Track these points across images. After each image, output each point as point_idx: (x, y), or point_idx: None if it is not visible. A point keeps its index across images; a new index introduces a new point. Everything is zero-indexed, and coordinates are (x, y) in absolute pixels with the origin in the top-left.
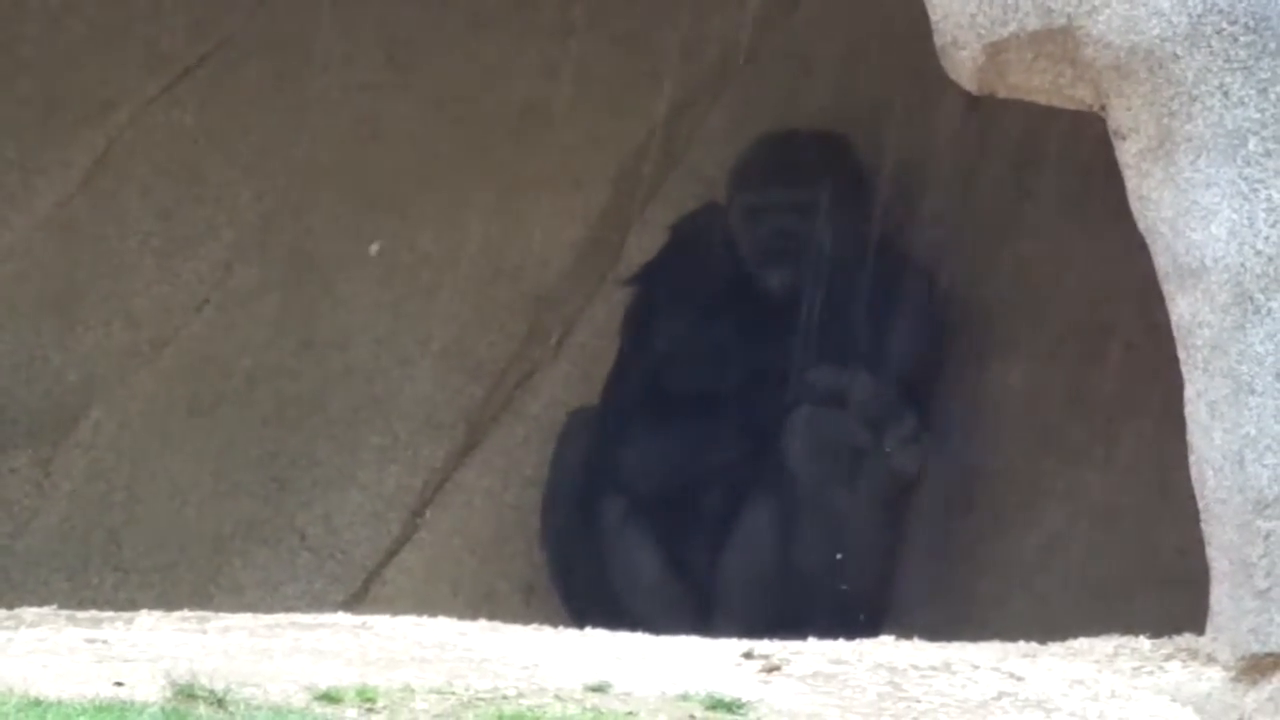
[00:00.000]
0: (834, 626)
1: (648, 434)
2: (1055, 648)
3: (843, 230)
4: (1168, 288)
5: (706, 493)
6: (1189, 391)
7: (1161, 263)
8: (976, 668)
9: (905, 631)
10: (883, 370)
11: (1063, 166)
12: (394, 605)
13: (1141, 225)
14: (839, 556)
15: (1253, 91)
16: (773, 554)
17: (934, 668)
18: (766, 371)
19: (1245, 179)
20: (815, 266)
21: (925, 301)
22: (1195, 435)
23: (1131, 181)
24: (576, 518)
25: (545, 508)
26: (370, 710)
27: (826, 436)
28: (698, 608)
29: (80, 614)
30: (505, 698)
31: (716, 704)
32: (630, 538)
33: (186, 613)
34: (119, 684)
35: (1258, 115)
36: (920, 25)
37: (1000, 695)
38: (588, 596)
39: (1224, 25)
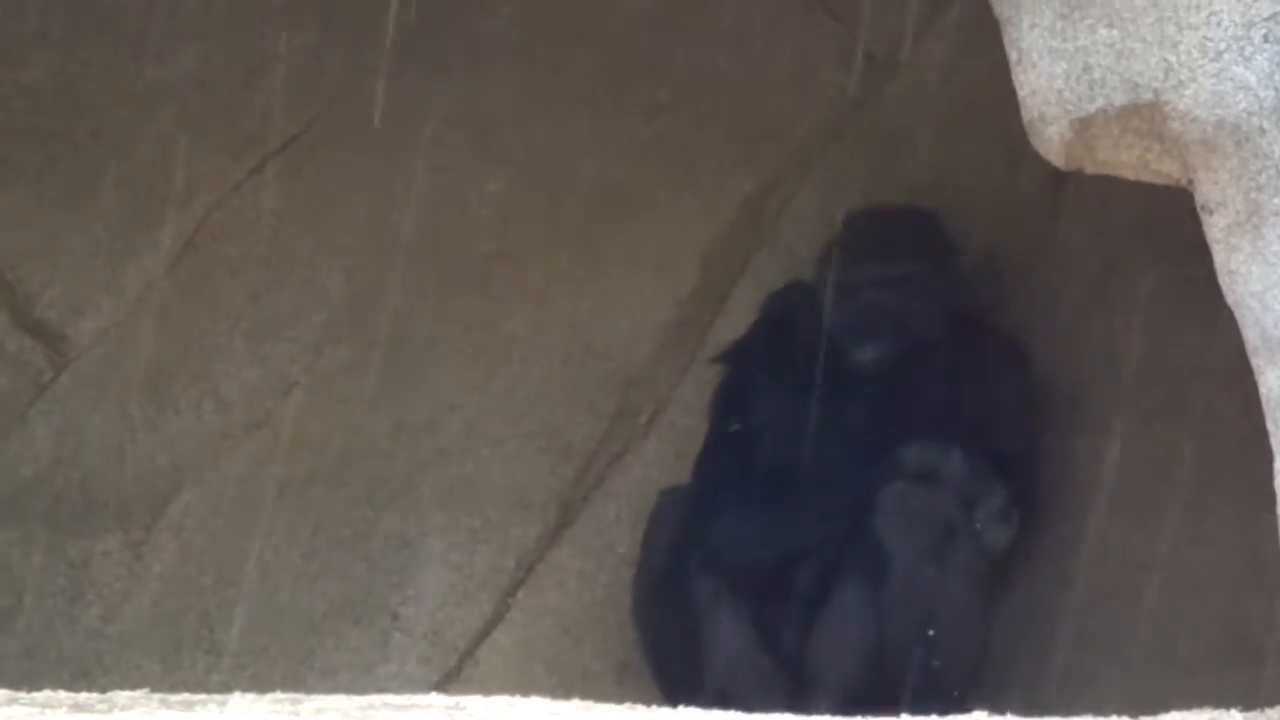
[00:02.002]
0: (927, 704)
1: (739, 512)
2: None
3: (933, 306)
4: (1256, 361)
5: (798, 571)
6: (1278, 464)
7: (1250, 336)
8: None
9: (998, 708)
10: (975, 446)
11: (1152, 242)
12: (487, 686)
13: (1230, 299)
14: (931, 633)
15: None
16: (865, 631)
17: None
18: (858, 449)
19: None
20: (907, 343)
21: (1017, 376)
22: None
23: (1219, 256)
24: (668, 596)
25: (637, 586)
26: None
27: (918, 513)
28: (790, 686)
29: (173, 697)
30: None
31: None
32: (722, 615)
33: (279, 695)
34: None
35: None
36: (1008, 101)
37: None
38: (680, 676)
39: None
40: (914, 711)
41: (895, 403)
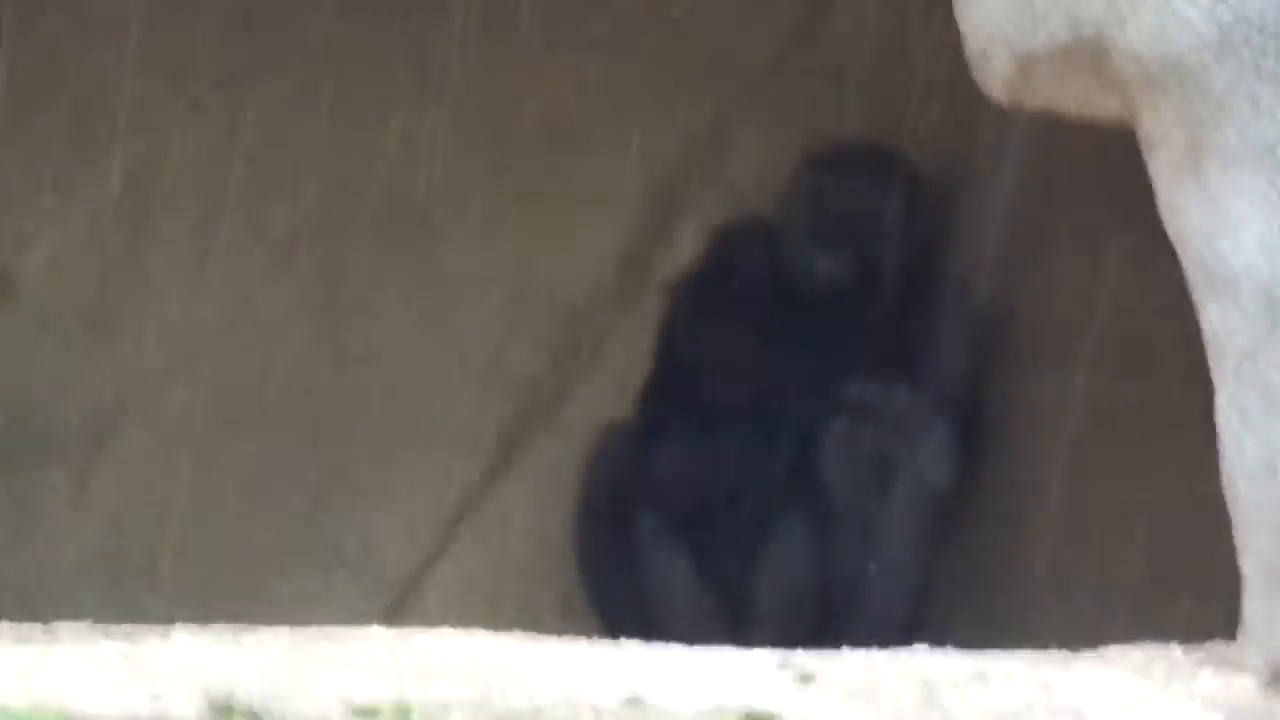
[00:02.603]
0: (868, 638)
1: (682, 446)
2: (1087, 656)
3: (895, 231)
4: (1198, 297)
5: (741, 505)
6: (1219, 400)
7: (1192, 272)
8: (1010, 677)
9: (939, 642)
10: (921, 383)
11: (1094, 178)
12: (430, 620)
13: (1172, 235)
14: (873, 569)
15: None
16: (807, 566)
17: (968, 678)
18: (803, 384)
19: (1275, 188)
20: (865, 267)
21: (965, 314)
22: (1226, 444)
23: (1162, 192)
24: (609, 530)
25: (578, 521)
26: None
27: (860, 450)
28: (732, 620)
29: (116, 629)
30: (541, 711)
31: (752, 716)
32: (663, 550)
33: (222, 627)
34: (155, 699)
35: None
36: (951, 37)
37: (1033, 704)
38: (622, 610)
39: (1253, 35)
40: (855, 645)
41: (841, 338)
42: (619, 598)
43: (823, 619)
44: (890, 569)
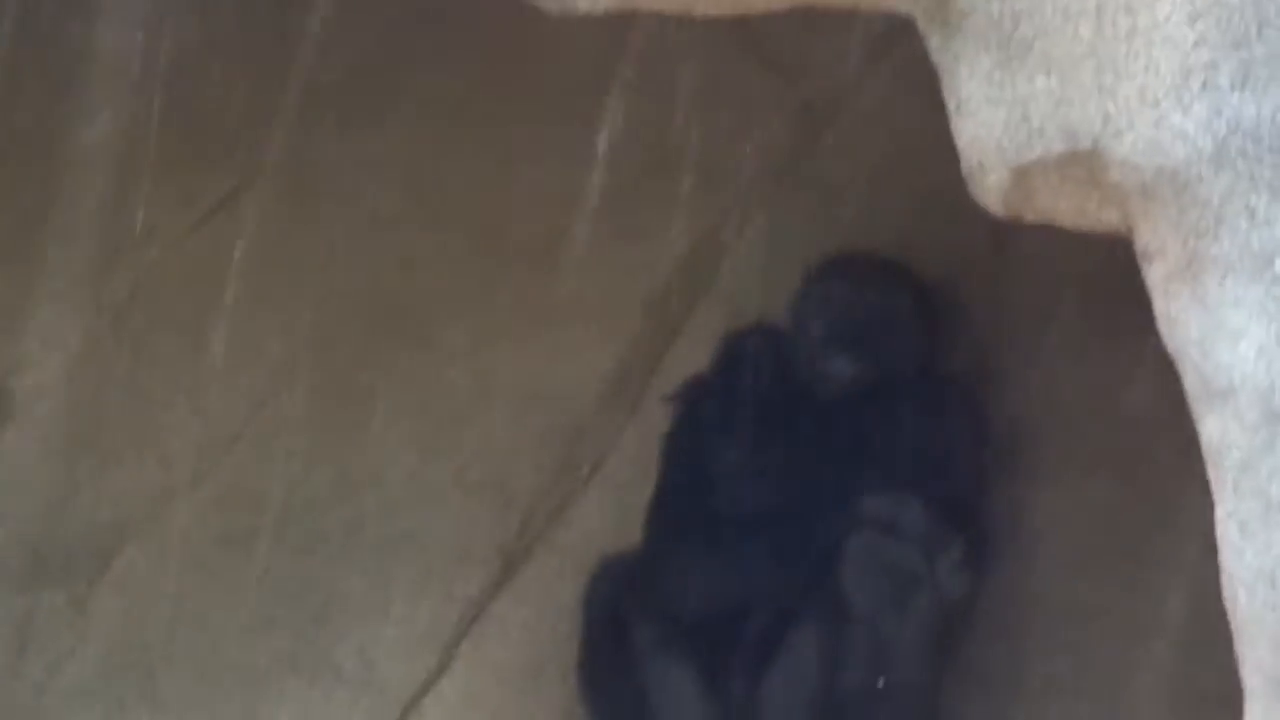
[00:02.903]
0: None
1: (690, 559)
2: None
3: (904, 343)
4: (1197, 408)
5: (750, 618)
6: (1219, 511)
7: (1190, 383)
8: None
9: None
10: (932, 494)
11: (1092, 289)
12: None
13: (1170, 347)
14: (883, 683)
15: (1279, 211)
16: (818, 679)
17: None
18: (813, 496)
19: (1273, 298)
20: (876, 373)
21: (972, 423)
22: (1227, 555)
23: (1159, 303)
24: (613, 646)
25: (582, 638)
26: None
27: (884, 563)
28: None
29: None
30: None
31: None
32: (668, 663)
33: None
34: None
35: None
36: (946, 150)
37: None
38: None
39: (1249, 146)
40: None
41: (850, 449)
42: (621, 713)
43: None
44: (903, 684)
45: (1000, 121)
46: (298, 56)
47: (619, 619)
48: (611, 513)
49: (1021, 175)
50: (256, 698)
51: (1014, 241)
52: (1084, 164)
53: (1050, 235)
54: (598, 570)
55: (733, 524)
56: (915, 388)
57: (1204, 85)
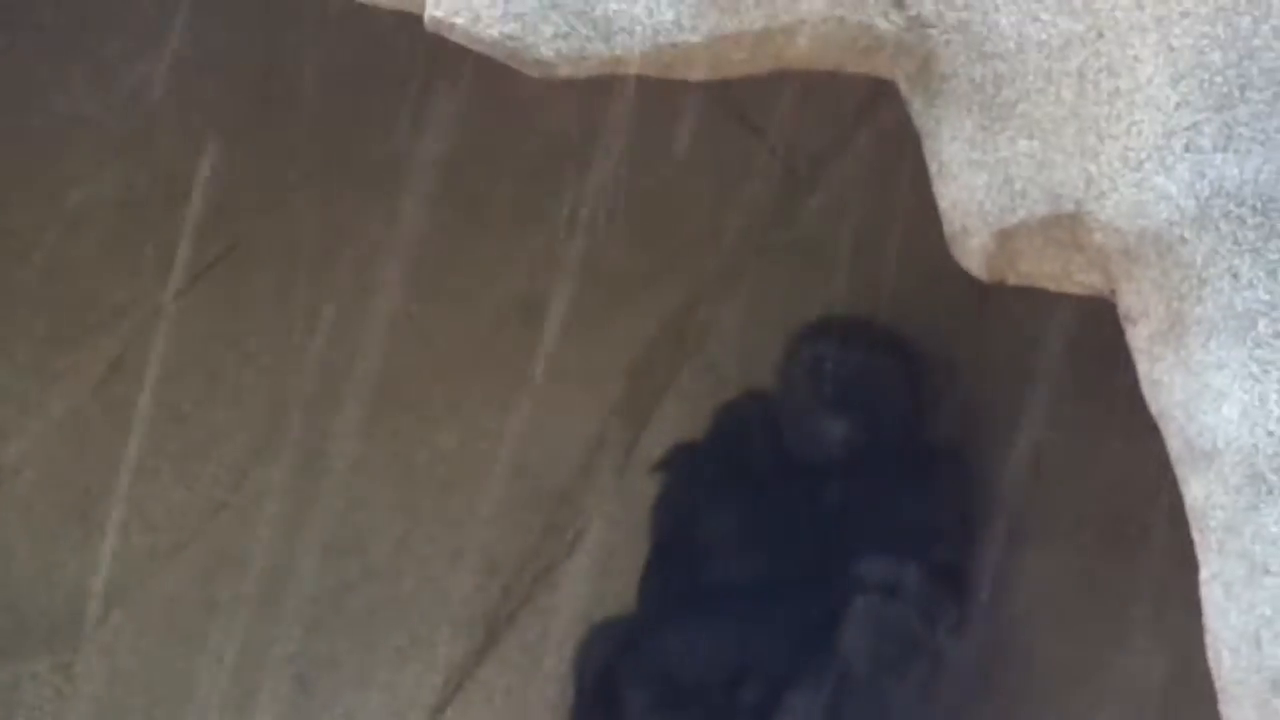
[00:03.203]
0: None
1: (688, 625)
2: None
3: (894, 407)
4: (1181, 471)
5: (744, 685)
6: (1204, 573)
7: (1174, 446)
8: None
9: None
10: (925, 558)
11: (1076, 353)
12: None
13: (1154, 409)
14: None
15: (1262, 273)
16: None
17: None
18: (807, 561)
19: (1256, 360)
20: (867, 437)
21: (959, 489)
22: (1211, 616)
23: (1143, 365)
24: (602, 712)
25: (573, 705)
26: None
27: (887, 627)
28: None
29: None
30: None
31: None
32: None
33: None
34: None
35: (1267, 297)
36: (929, 214)
37: None
38: None
39: (1231, 208)
40: None
41: (841, 514)
42: None
43: None
44: None
45: (982, 184)
46: (280, 125)
47: (610, 685)
48: (596, 578)
49: (1004, 238)
50: None
51: (998, 305)
52: (1067, 226)
53: (1034, 298)
54: (588, 635)
55: (726, 591)
56: (902, 453)
57: (1187, 147)
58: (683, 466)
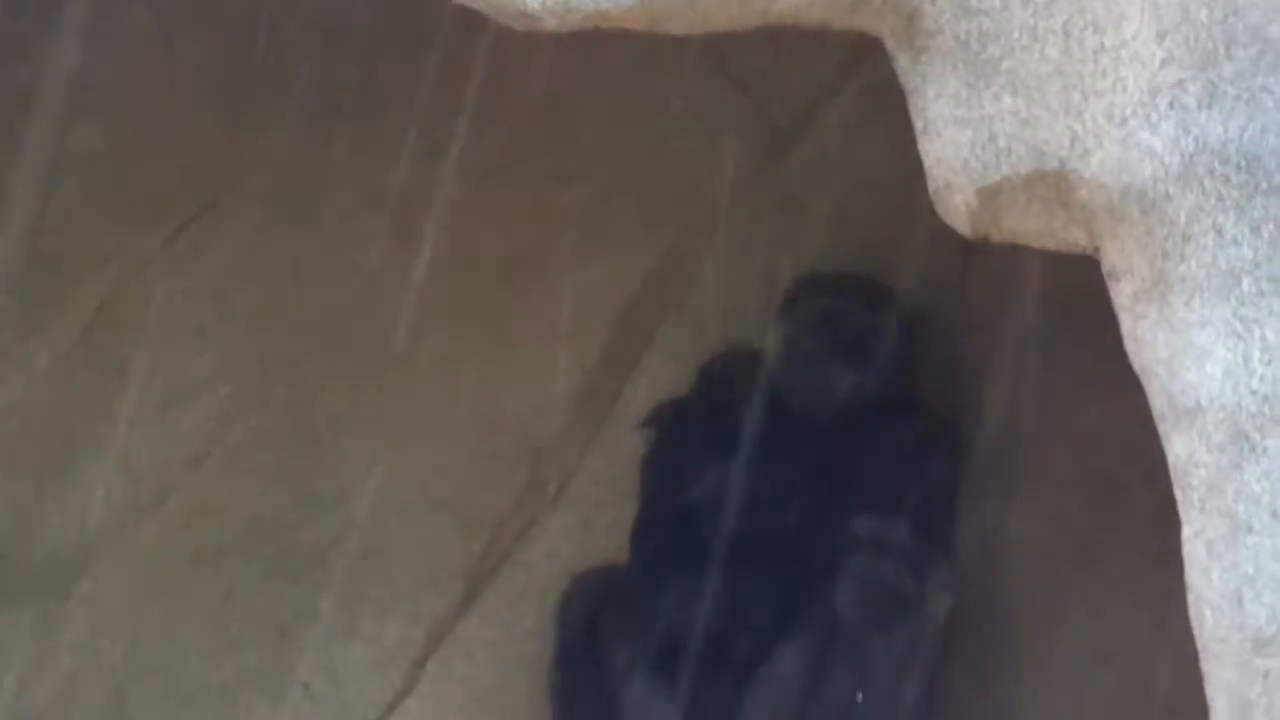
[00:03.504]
0: None
1: (677, 580)
2: None
3: (886, 363)
4: (1164, 428)
5: (732, 640)
6: (1186, 531)
7: (1157, 403)
8: None
9: None
10: (912, 515)
11: (1058, 309)
12: None
13: (1137, 366)
14: (861, 697)
15: (1246, 230)
16: (801, 696)
17: None
18: (795, 518)
19: (1239, 318)
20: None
21: (945, 444)
22: (1193, 574)
23: (1126, 322)
24: (587, 667)
25: (555, 657)
26: None
27: (877, 583)
28: None
29: None
30: None
31: None
32: (646, 684)
33: None
34: None
35: (1251, 254)
36: (914, 170)
37: None
38: None
39: (1216, 165)
40: None
41: (830, 471)
42: None
43: None
44: (886, 701)
45: (967, 141)
46: (268, 76)
47: (593, 637)
48: (578, 532)
49: (989, 195)
50: (224, 715)
51: (982, 261)
52: (1051, 183)
53: (1018, 255)
54: (571, 586)
55: (715, 546)
56: (890, 408)
57: (1171, 104)
58: (669, 422)
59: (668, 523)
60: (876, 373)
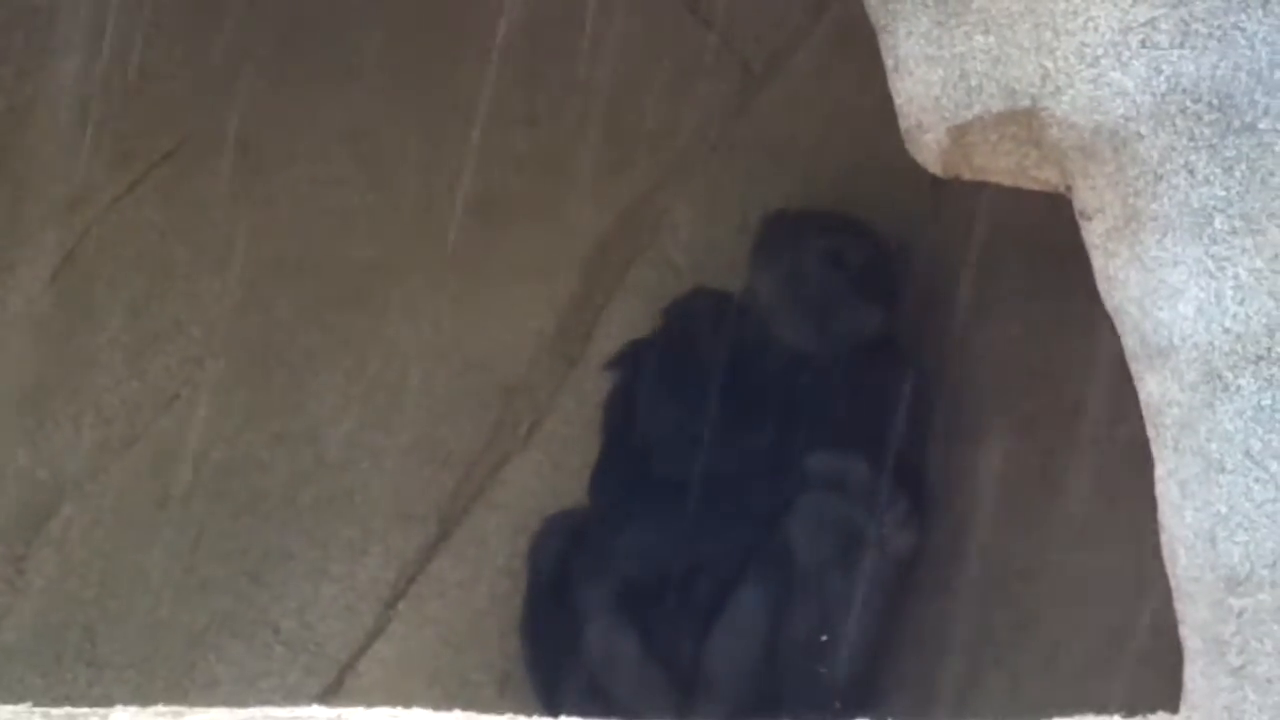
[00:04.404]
0: (819, 709)
1: (635, 523)
2: None
3: (853, 306)
4: (1136, 367)
5: (694, 580)
6: (1159, 470)
7: (1130, 342)
8: None
9: (880, 715)
10: (874, 454)
11: (1030, 248)
12: (369, 697)
13: (1109, 305)
14: (825, 640)
15: (1218, 169)
16: (764, 637)
17: None
18: (756, 458)
19: (1212, 257)
20: (822, 336)
21: (912, 383)
22: (1166, 514)
23: (1098, 261)
24: (557, 607)
25: (525, 598)
26: None
27: (833, 522)
28: (679, 694)
29: (55, 711)
30: None
31: None
32: (612, 625)
33: (161, 708)
34: None
35: (1223, 193)
36: (885, 109)
37: None
38: (565, 689)
39: (1188, 104)
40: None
41: (792, 410)
42: (562, 676)
43: (774, 691)
44: (847, 640)
45: (938, 80)
46: (237, 17)
47: (564, 577)
48: (549, 471)
49: (960, 134)
50: (194, 657)
51: (953, 200)
52: (1023, 122)
53: (989, 194)
54: (542, 527)
55: (676, 487)
56: (856, 348)
57: (1143, 42)
58: (633, 363)
59: (628, 463)
60: (839, 316)
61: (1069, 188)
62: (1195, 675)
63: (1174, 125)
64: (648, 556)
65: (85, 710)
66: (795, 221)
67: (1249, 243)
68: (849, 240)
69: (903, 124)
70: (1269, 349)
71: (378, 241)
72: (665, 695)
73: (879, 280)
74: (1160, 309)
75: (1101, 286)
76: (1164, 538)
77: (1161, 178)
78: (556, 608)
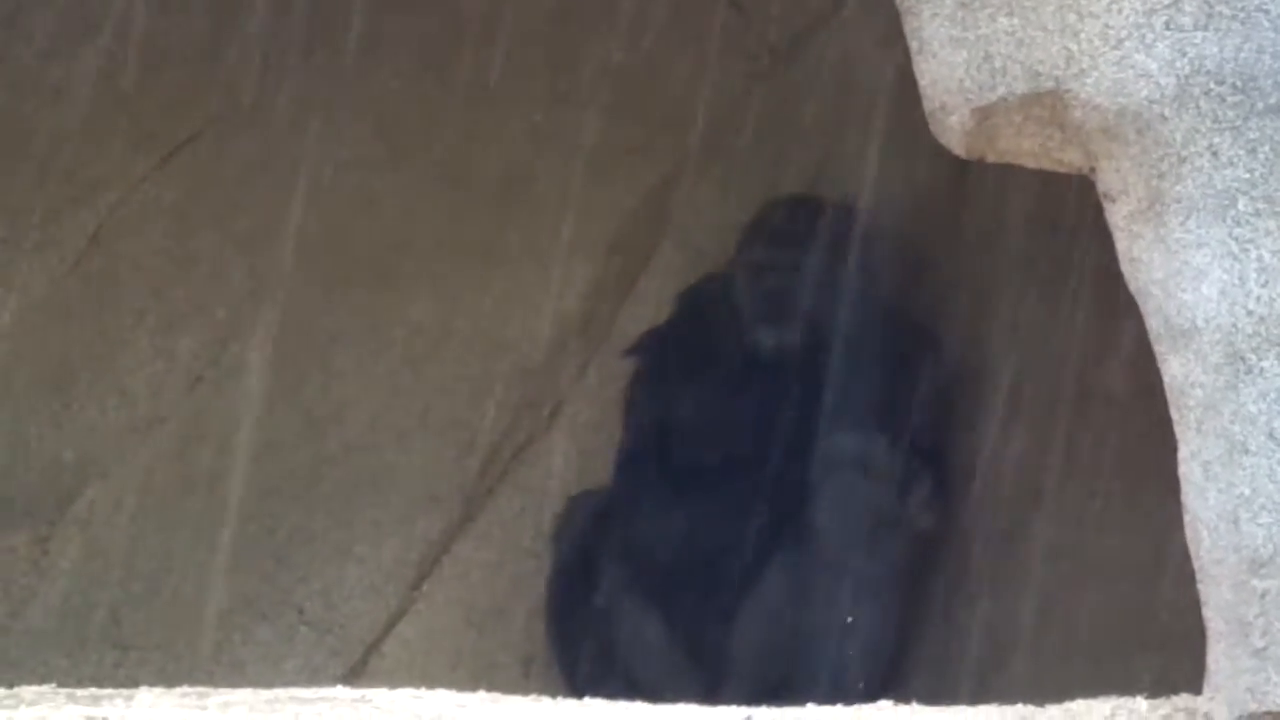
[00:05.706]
0: (843, 689)
1: (657, 507)
2: (1053, 710)
3: (847, 294)
4: (1160, 349)
5: (717, 563)
6: (1183, 452)
7: (1153, 324)
8: None
9: (903, 696)
10: (896, 435)
11: (1054, 230)
12: (393, 678)
13: (1132, 287)
14: (851, 620)
15: (1242, 151)
16: (790, 620)
17: None
18: (777, 441)
19: (1235, 239)
20: (819, 331)
21: (934, 365)
22: (1190, 496)
23: (1122, 244)
24: (581, 590)
25: (550, 582)
26: None
27: (860, 502)
28: (703, 676)
29: (80, 692)
30: None
31: None
32: (634, 607)
33: (186, 689)
34: None
35: (1247, 175)
36: (909, 90)
37: None
38: (589, 671)
39: (1212, 86)
40: (825, 700)
41: (812, 394)
42: (587, 659)
43: (801, 674)
44: (872, 622)
45: (962, 62)
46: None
47: (588, 558)
48: (573, 453)
49: (984, 116)
50: (220, 639)
51: (976, 182)
52: (1047, 104)
53: (1013, 176)
54: (566, 507)
55: (699, 471)
56: (875, 330)
57: (1167, 24)
58: (651, 349)
59: (651, 446)
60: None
61: (1093, 170)
62: (1218, 657)
63: (1197, 107)
64: (672, 538)
65: (110, 691)
66: (765, 221)
67: (1273, 224)
68: (776, 249)
69: (927, 106)
70: None
71: (402, 223)
72: (689, 676)
73: (786, 303)
74: (1184, 291)
75: (1125, 268)
76: (1187, 519)
77: (1185, 160)
78: (580, 589)
